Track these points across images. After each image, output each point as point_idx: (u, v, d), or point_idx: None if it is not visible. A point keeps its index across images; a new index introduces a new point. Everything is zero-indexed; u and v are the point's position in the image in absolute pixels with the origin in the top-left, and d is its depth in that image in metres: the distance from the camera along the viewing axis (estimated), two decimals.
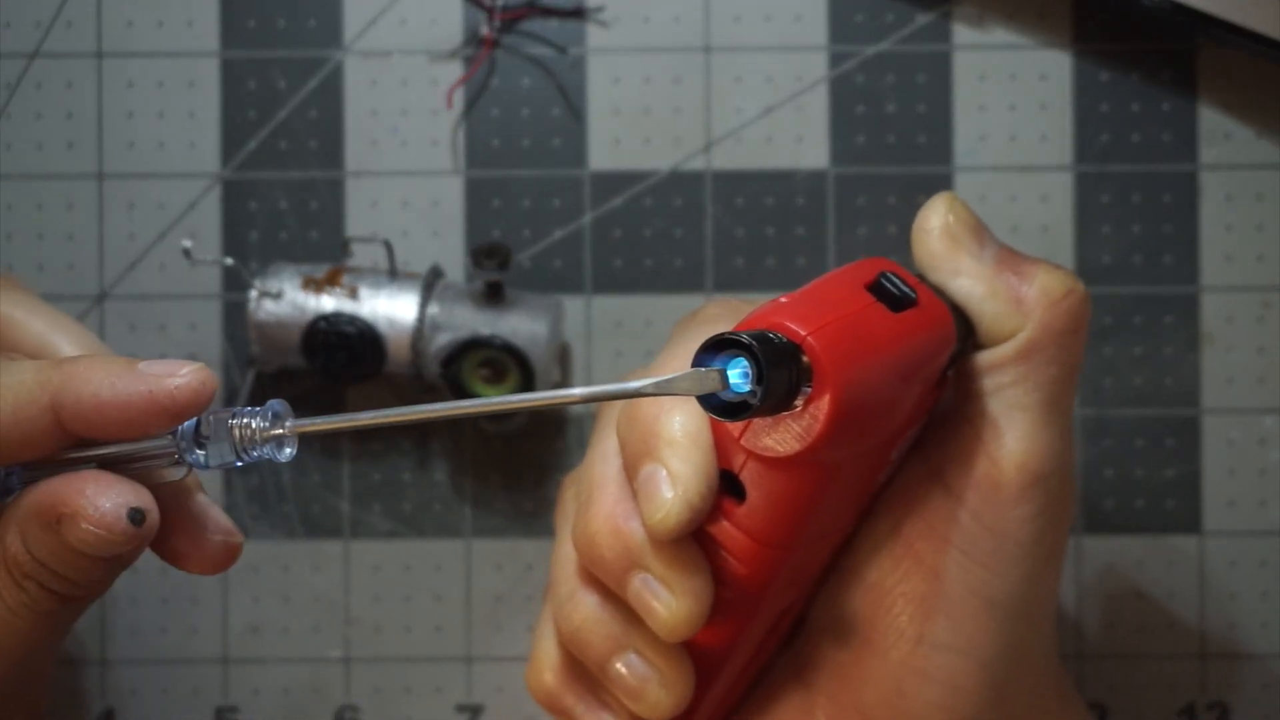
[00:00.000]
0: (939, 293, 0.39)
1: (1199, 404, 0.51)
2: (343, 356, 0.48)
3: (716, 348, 0.33)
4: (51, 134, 0.52)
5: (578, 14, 0.51)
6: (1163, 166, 0.51)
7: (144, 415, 0.33)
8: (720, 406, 0.33)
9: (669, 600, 0.37)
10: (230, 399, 0.52)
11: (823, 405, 0.34)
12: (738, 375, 0.33)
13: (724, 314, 0.40)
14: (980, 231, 0.39)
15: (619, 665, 0.39)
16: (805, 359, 0.34)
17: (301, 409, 0.51)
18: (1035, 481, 0.38)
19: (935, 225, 0.39)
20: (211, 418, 0.34)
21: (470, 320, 0.48)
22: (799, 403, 0.34)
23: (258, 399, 0.51)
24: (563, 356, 0.51)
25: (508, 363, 0.48)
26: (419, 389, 0.50)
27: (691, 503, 0.36)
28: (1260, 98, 0.51)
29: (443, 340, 0.48)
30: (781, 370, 0.33)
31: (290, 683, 0.52)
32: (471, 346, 0.48)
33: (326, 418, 0.34)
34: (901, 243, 0.51)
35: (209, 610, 0.52)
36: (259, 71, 0.52)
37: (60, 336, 0.41)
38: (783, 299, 0.35)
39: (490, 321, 0.48)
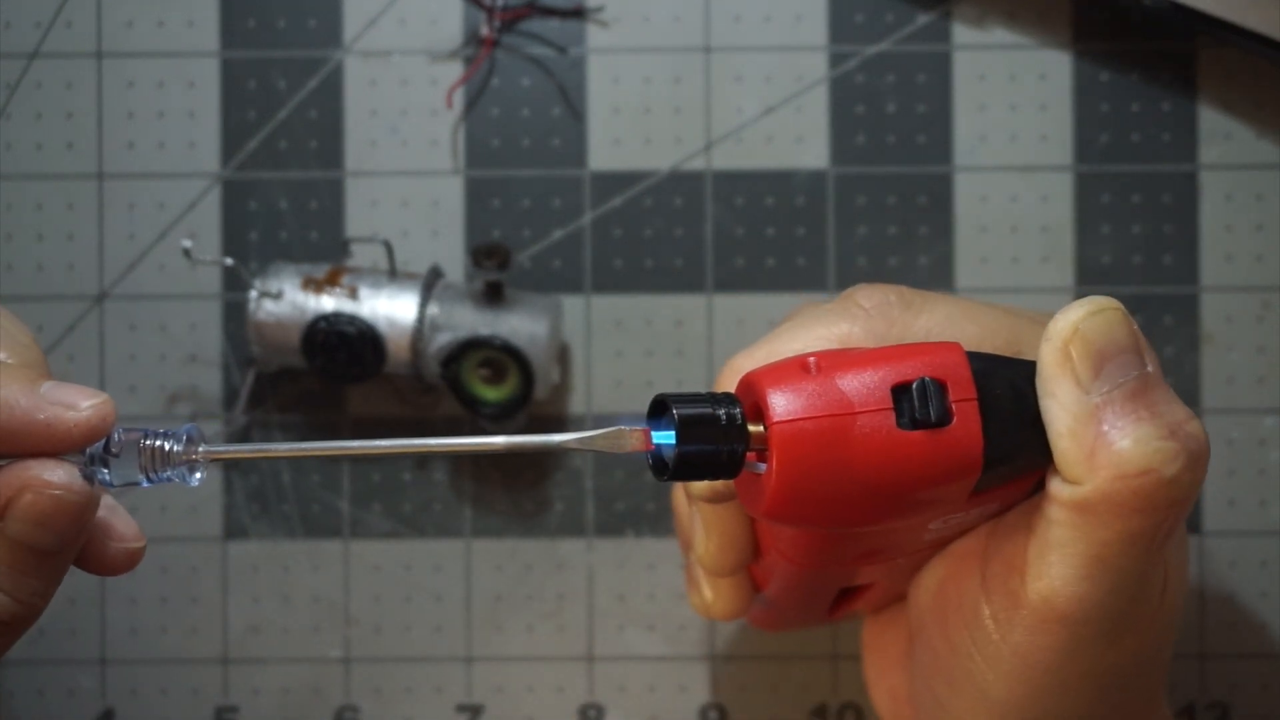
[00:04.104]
0: (1021, 399, 0.35)
1: (1199, 404, 0.51)
2: (343, 356, 0.48)
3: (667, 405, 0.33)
4: (51, 134, 0.52)
5: (578, 14, 0.51)
6: (1163, 166, 0.51)
7: (38, 444, 0.33)
8: (659, 460, 0.33)
9: (703, 541, 0.41)
10: (230, 399, 0.52)
11: (767, 490, 0.33)
12: (668, 436, 0.33)
13: (807, 321, 0.39)
14: (1102, 361, 0.34)
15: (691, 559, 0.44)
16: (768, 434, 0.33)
17: (301, 409, 0.52)
18: (1058, 619, 0.35)
19: (1056, 335, 0.34)
20: (122, 437, 0.34)
21: (470, 320, 0.48)
22: (763, 469, 0.33)
23: (258, 399, 0.51)
24: (563, 356, 0.51)
25: (508, 363, 0.48)
26: (419, 389, 0.50)
27: (722, 592, 0.42)
28: (1260, 98, 0.51)
29: (443, 340, 0.48)
30: (710, 444, 0.32)
31: (290, 683, 0.52)
32: (471, 346, 0.48)
33: (239, 446, 0.35)
34: (901, 243, 0.51)
35: (209, 610, 0.52)
36: (259, 71, 0.52)
37: None
38: (810, 359, 0.33)
39: (490, 321, 0.48)
